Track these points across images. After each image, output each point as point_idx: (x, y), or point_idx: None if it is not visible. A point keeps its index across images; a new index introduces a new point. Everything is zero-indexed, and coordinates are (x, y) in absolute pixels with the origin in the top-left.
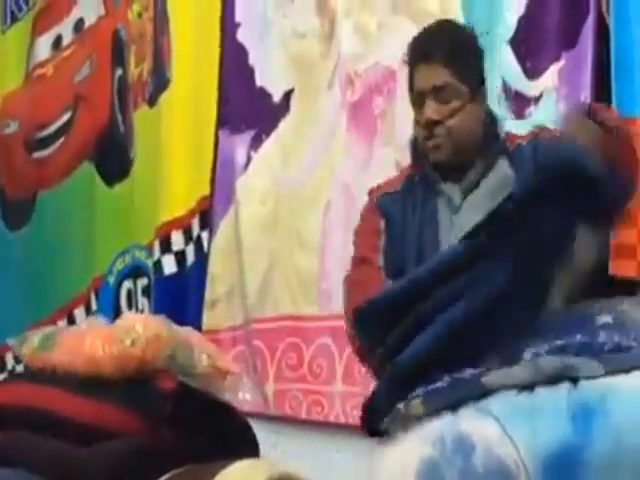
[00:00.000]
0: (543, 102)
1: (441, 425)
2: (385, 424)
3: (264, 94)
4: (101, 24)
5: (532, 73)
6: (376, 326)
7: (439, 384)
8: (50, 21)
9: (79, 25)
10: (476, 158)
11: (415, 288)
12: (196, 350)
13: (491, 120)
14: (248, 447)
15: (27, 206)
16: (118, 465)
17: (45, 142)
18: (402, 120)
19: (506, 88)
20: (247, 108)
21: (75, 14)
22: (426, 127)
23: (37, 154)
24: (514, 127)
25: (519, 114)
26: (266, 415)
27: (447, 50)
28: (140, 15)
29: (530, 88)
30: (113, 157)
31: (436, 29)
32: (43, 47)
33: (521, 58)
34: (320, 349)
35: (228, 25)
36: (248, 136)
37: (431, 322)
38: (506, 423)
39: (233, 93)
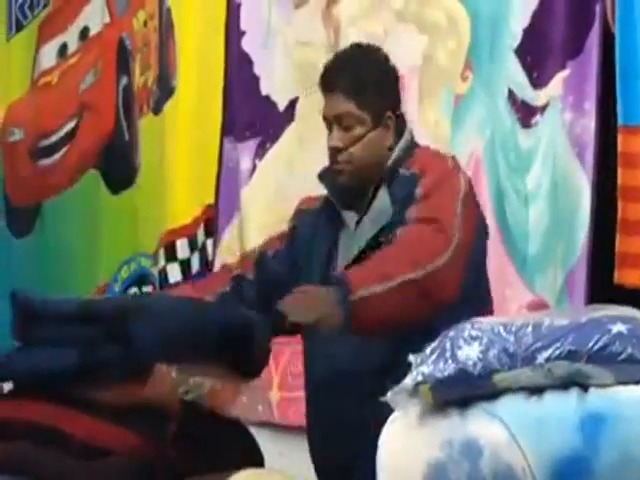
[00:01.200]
0: (549, 111)
1: (449, 427)
2: (389, 398)
3: (269, 102)
4: (106, 32)
5: (538, 82)
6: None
7: (446, 370)
8: (55, 29)
9: (84, 33)
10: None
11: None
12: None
13: (398, 155)
14: (252, 463)
15: (32, 214)
16: None
17: (50, 150)
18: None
19: (512, 97)
20: (252, 116)
21: (80, 22)
22: (331, 154)
23: (42, 162)
24: (521, 136)
25: (525, 123)
26: (270, 423)
27: (349, 81)
28: (145, 24)
29: (536, 97)
30: (118, 165)
31: (342, 58)
32: (48, 55)
33: (527, 67)
34: None
35: (233, 33)
36: (253, 144)
37: None
38: (514, 428)
39: (238, 101)
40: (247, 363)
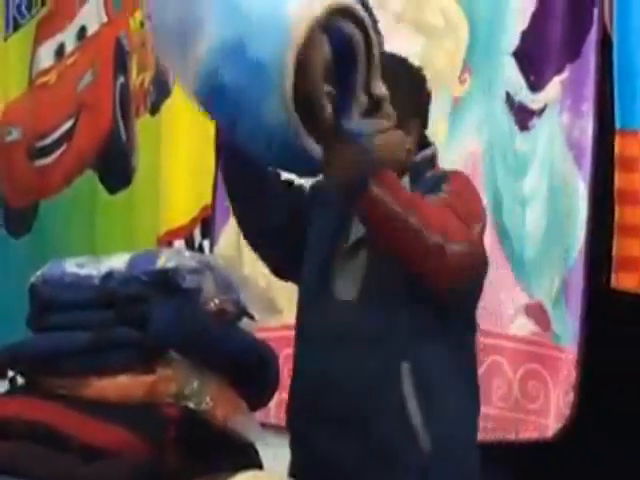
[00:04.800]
0: (546, 114)
1: None
2: None
3: None
4: (103, 32)
5: (536, 85)
6: None
7: None
8: (53, 29)
9: (82, 33)
10: None
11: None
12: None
13: (424, 155)
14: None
15: (29, 214)
16: None
17: (47, 150)
18: None
19: (510, 100)
20: None
21: (78, 22)
22: None
23: (39, 162)
24: (518, 139)
25: (523, 126)
26: (268, 424)
27: (385, 75)
28: (142, 24)
29: (534, 100)
30: (115, 165)
31: (386, 58)
32: (46, 55)
33: (525, 70)
34: None
35: None
36: None
37: None
38: None
39: None
40: (255, 393)
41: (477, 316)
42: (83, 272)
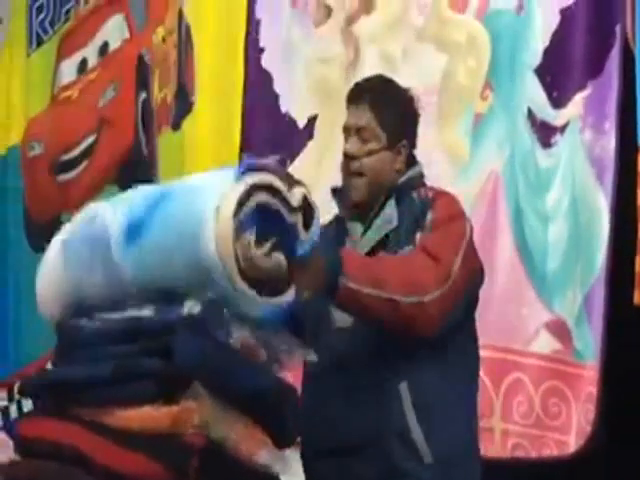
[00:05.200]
0: (569, 131)
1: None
2: None
3: (288, 120)
4: (126, 48)
5: (558, 102)
6: None
7: None
8: (75, 44)
9: (104, 48)
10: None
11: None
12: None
13: (410, 176)
14: None
15: (51, 228)
16: None
17: (69, 165)
18: (425, 146)
19: (532, 117)
20: (271, 133)
21: (100, 38)
22: (344, 161)
23: (61, 177)
24: (540, 156)
25: (545, 143)
26: None
27: (375, 97)
28: (164, 39)
29: (556, 117)
30: (137, 180)
31: (376, 79)
32: (68, 70)
33: (547, 87)
34: None
35: (252, 50)
36: (272, 162)
37: None
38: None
39: (257, 118)
40: (279, 432)
41: (497, 332)
42: None
